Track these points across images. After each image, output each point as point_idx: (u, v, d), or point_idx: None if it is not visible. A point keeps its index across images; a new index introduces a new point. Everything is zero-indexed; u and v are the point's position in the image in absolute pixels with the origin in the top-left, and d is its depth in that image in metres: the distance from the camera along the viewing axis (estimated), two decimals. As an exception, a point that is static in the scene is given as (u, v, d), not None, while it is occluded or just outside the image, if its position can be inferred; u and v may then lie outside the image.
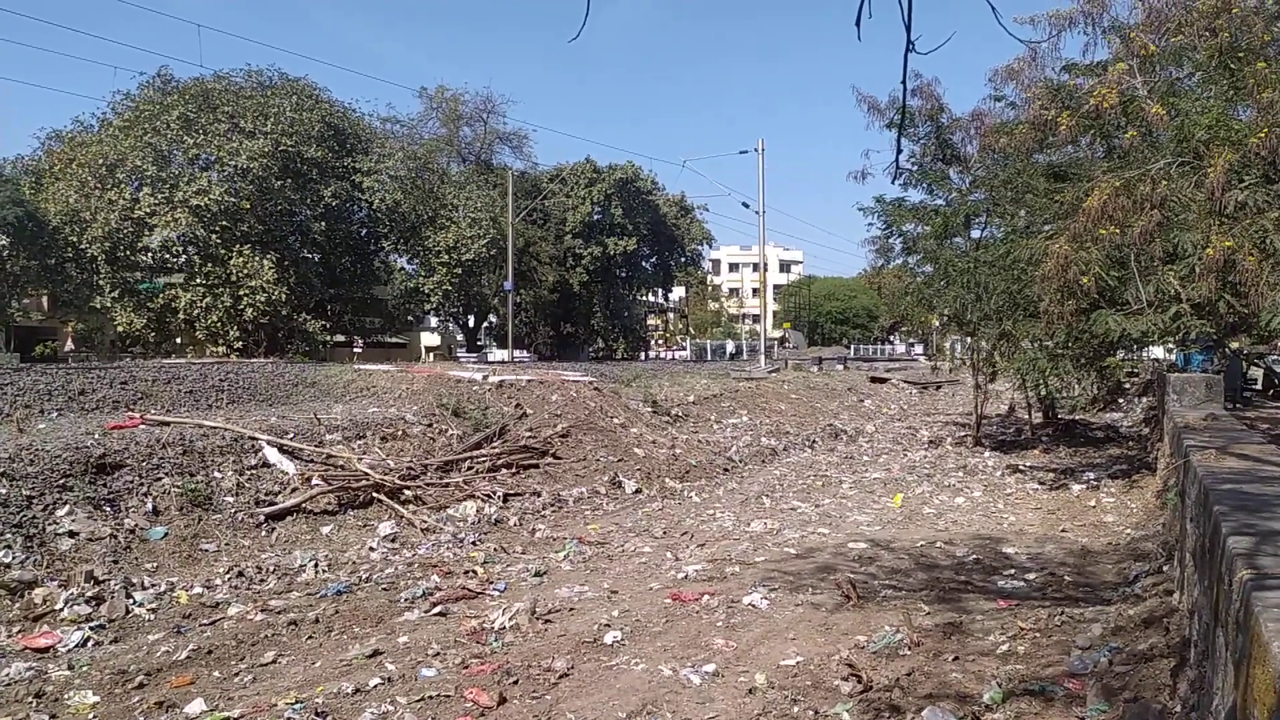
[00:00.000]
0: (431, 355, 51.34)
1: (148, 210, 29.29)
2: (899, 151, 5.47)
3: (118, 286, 30.71)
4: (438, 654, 7.60)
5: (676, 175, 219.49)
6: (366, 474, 13.75)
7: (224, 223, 30.07)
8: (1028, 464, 18.53)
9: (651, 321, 74.98)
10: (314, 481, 13.26)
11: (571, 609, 8.89)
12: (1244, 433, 9.92)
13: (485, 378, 20.65)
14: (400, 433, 16.12)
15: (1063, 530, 12.28)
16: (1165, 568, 8.46)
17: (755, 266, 77.68)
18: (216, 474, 12.67)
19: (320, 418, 15.76)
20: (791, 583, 9.56)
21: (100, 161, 29.67)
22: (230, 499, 12.27)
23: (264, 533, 11.87)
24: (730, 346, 73.91)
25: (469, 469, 15.41)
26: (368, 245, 38.17)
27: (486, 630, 8.14)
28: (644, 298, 64.30)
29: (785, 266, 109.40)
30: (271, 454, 13.65)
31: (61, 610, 8.86)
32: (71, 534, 10.22)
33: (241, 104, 31.76)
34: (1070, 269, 9.64)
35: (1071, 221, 9.79)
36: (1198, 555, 5.74)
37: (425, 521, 12.96)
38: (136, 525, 10.91)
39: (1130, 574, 9.11)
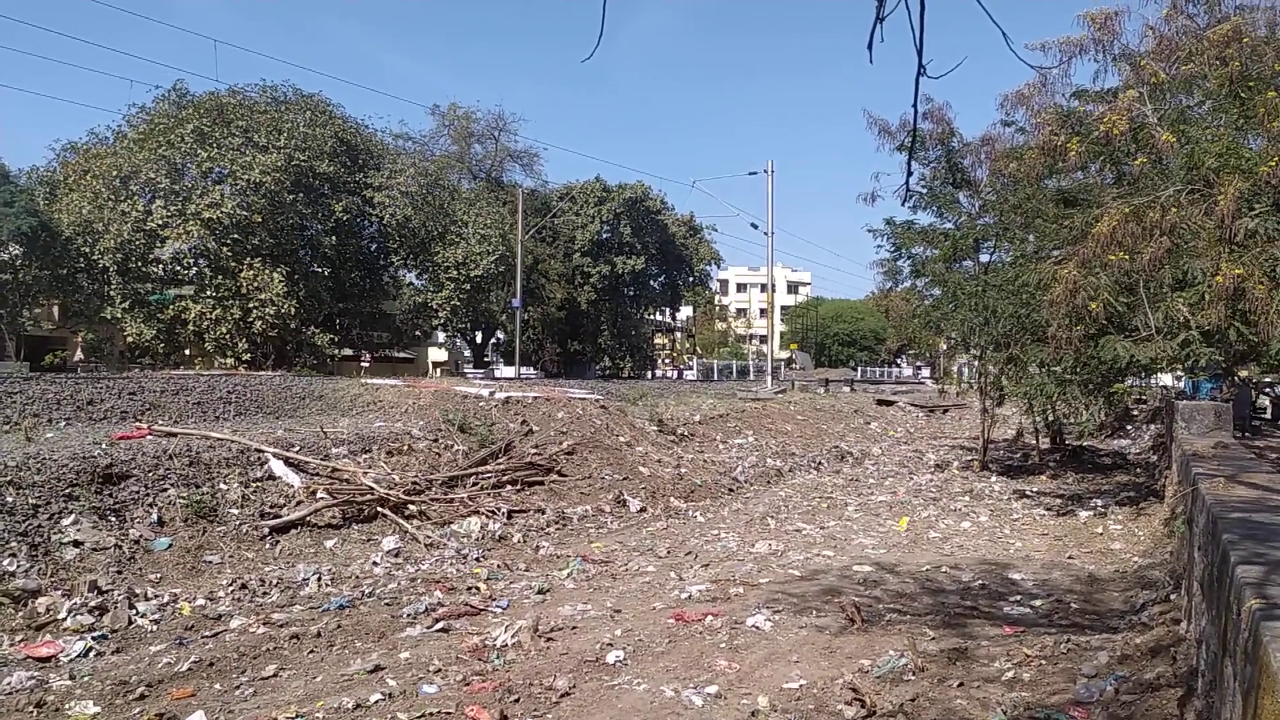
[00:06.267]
0: (439, 371, 51.42)
1: (160, 222, 29.43)
2: (909, 174, 5.52)
3: (128, 297, 30.82)
4: (439, 670, 7.57)
5: (686, 195, 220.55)
6: (371, 488, 13.76)
7: (235, 236, 30.20)
8: (1035, 489, 18.44)
9: (659, 340, 74.98)
10: (319, 495, 13.27)
11: (574, 627, 8.85)
12: (1253, 461, 9.86)
13: (491, 394, 20.68)
14: (406, 447, 16.14)
15: (1070, 557, 12.20)
16: (1173, 596, 8.39)
17: (763, 287, 77.78)
18: (222, 486, 12.70)
19: (326, 431, 15.79)
20: (795, 605, 9.51)
21: (114, 173, 29.85)
22: (235, 511, 12.29)
23: (268, 545, 11.88)
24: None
25: (474, 485, 15.40)
26: (377, 260, 38.27)
27: (488, 647, 8.11)
28: (651, 317, 64.31)
29: (793, 287, 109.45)
30: (277, 467, 13.68)
31: (64, 620, 8.86)
32: (76, 543, 10.24)
33: (255, 118, 31.97)
34: (1079, 294, 9.63)
35: (1080, 247, 9.79)
36: (1206, 584, 5.69)
37: (429, 537, 12.95)
38: (141, 536, 10.92)
39: (1137, 602, 9.04)
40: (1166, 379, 25.96)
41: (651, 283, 59.19)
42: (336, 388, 21.10)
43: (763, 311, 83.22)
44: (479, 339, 55.10)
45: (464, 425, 17.96)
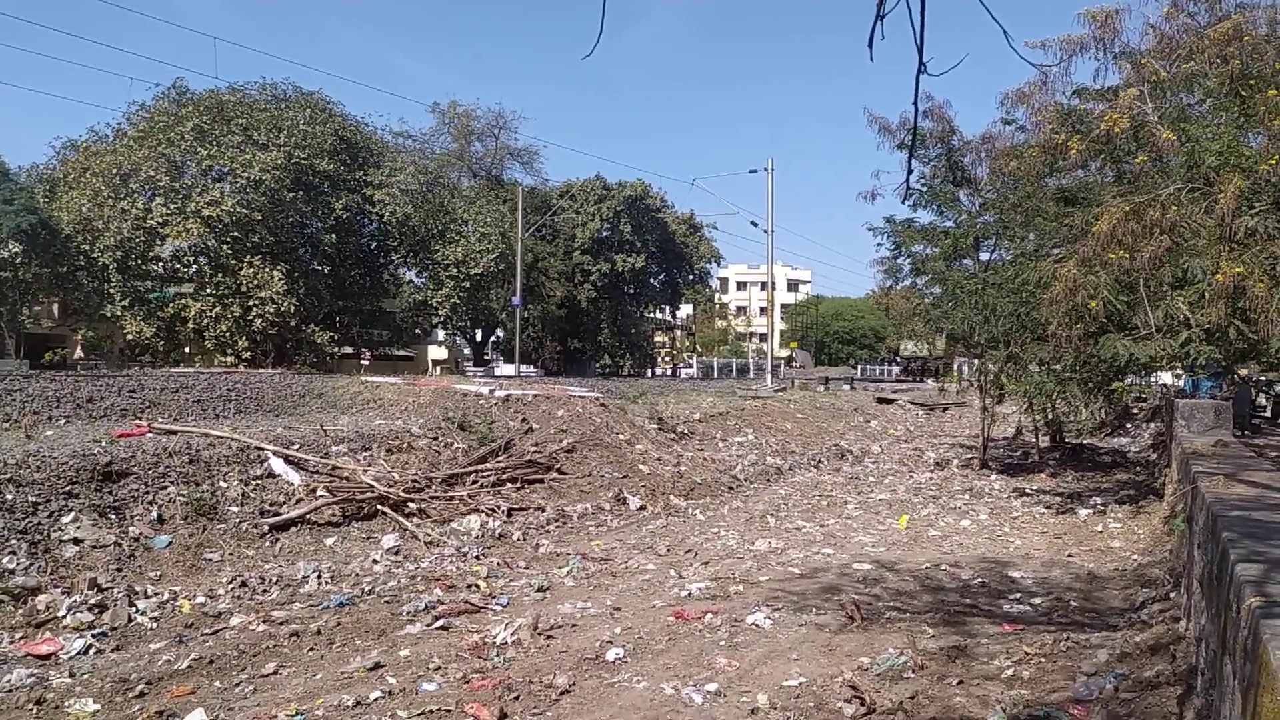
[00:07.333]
0: (438, 368, 51.46)
1: (160, 220, 29.44)
2: (909, 172, 5.51)
3: (128, 295, 30.83)
4: (439, 668, 7.57)
5: (686, 193, 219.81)
6: (371, 486, 13.76)
7: (235, 234, 30.21)
8: (1034, 487, 18.44)
9: (659, 338, 75.02)
10: (319, 493, 13.27)
11: (574, 625, 8.86)
12: (1253, 460, 9.86)
13: (491, 392, 20.67)
14: (406, 445, 16.14)
15: (1069, 555, 12.20)
16: (1172, 594, 8.40)
17: (763, 285, 77.80)
18: (222, 484, 12.69)
19: (326, 429, 15.79)
20: (795, 603, 9.51)
21: (114, 171, 29.84)
22: (235, 509, 12.29)
23: (268, 543, 11.88)
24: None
25: (474, 483, 15.41)
26: (377, 258, 38.29)
27: (488, 645, 8.12)
28: (652, 315, 64.34)
29: (793, 286, 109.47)
30: (277, 464, 13.68)
31: (64, 617, 8.87)
32: (76, 541, 10.24)
33: (255, 116, 31.97)
34: (1078, 292, 9.61)
35: (1080, 245, 9.77)
36: (1205, 582, 5.69)
37: (429, 535, 12.95)
38: (141, 533, 10.93)
39: (1137, 600, 9.05)
40: (1166, 377, 25.92)
41: (651, 281, 59.23)
42: (336, 385, 21.09)
43: (763, 309, 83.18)
44: (479, 337, 55.14)
45: (464, 423, 17.96)
